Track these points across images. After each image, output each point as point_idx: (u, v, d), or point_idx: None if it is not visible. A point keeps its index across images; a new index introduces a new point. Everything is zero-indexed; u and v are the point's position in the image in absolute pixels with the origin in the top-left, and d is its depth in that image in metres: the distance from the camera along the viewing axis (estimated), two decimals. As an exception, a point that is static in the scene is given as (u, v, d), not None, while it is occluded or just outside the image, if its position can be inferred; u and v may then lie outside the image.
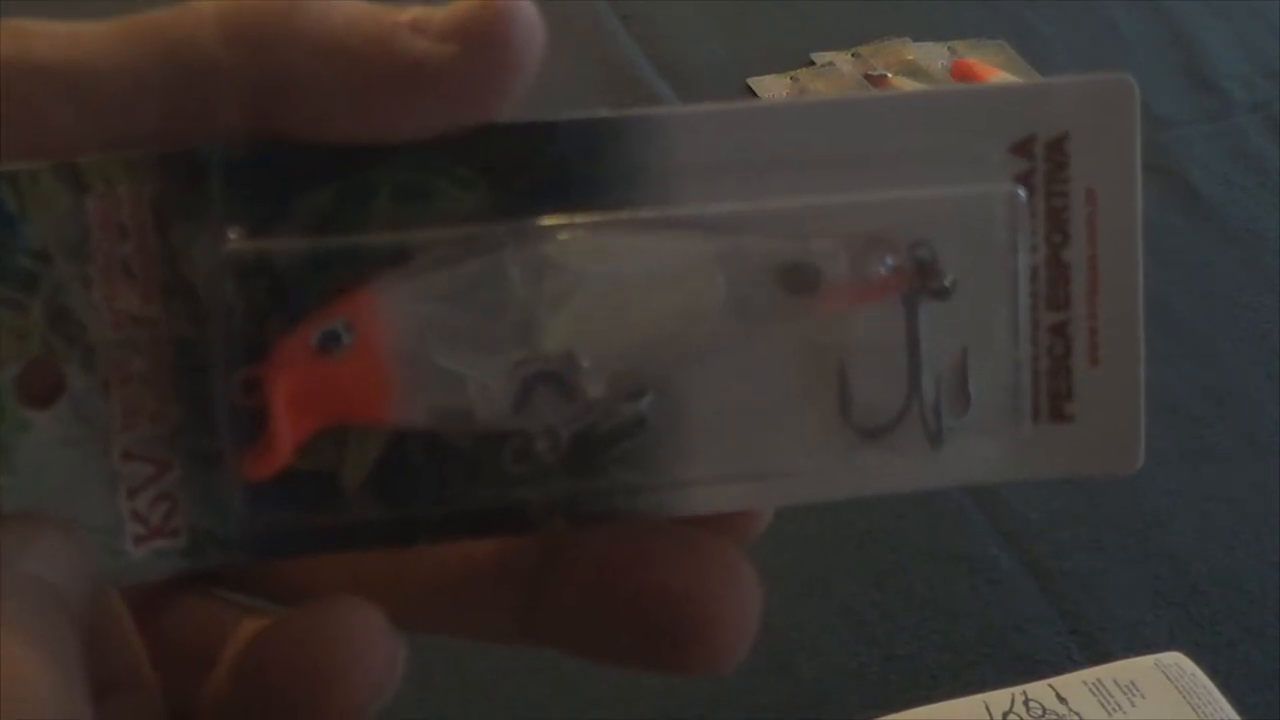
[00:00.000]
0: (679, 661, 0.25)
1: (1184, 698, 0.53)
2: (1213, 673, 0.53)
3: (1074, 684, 0.53)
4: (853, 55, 0.88)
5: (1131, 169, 0.25)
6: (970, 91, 0.25)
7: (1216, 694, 0.53)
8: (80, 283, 0.23)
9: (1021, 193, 0.25)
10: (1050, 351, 0.25)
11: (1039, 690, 0.53)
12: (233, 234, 0.23)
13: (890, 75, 0.86)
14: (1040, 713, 0.52)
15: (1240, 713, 0.52)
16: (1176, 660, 0.54)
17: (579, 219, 0.24)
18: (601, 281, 0.24)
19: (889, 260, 0.24)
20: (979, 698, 0.53)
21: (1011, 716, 0.52)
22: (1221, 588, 0.59)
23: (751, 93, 0.85)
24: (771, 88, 0.85)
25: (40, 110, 0.22)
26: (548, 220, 0.24)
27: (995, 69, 0.86)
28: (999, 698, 0.53)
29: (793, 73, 0.86)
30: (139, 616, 0.26)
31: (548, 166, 0.24)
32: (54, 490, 0.23)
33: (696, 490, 0.25)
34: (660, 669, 0.25)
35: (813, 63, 0.88)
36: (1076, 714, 0.52)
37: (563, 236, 0.24)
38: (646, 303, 0.24)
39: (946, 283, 0.25)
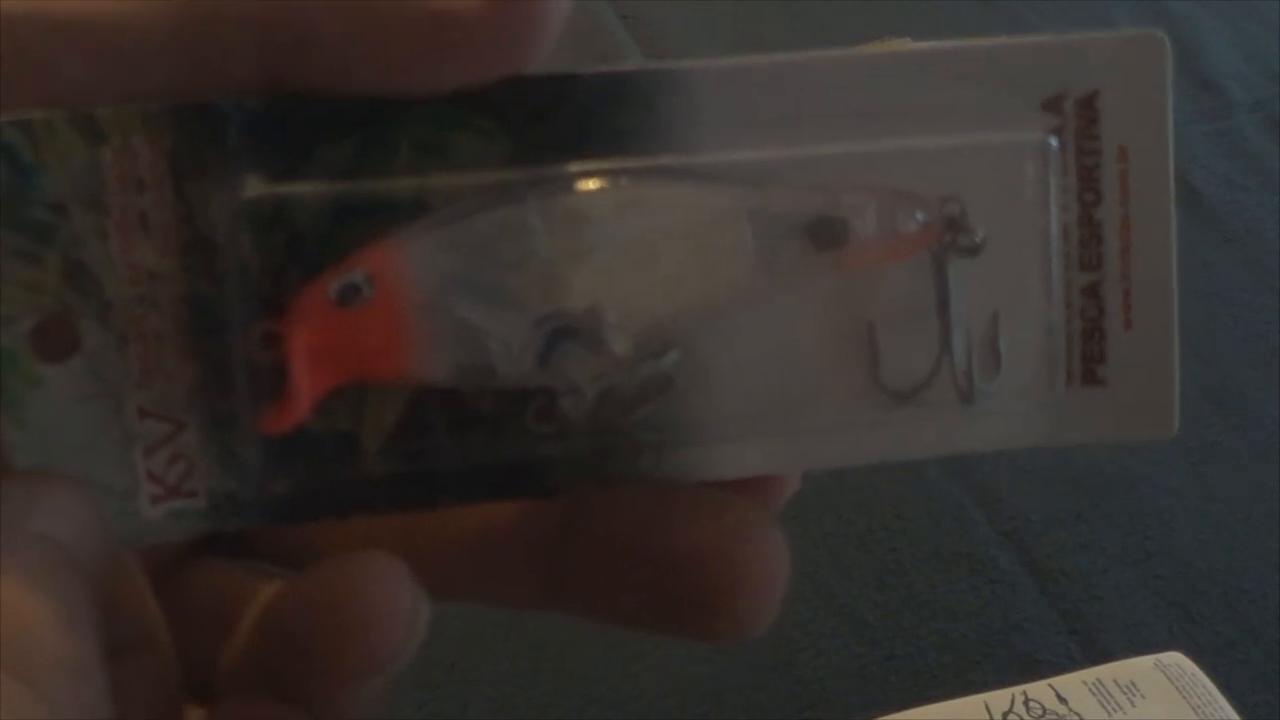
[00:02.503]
0: (705, 625, 0.25)
1: (1184, 698, 0.52)
2: (1213, 673, 0.53)
3: (1074, 684, 0.53)
4: (852, 56, 0.88)
5: (1164, 127, 0.25)
6: (1000, 47, 0.25)
7: (1216, 694, 0.52)
8: (97, 236, 0.23)
9: (1054, 141, 0.24)
10: (1083, 313, 0.25)
11: (1039, 690, 0.53)
12: (250, 184, 0.23)
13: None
14: (1040, 713, 0.52)
15: (1240, 713, 0.52)
16: (1176, 660, 0.54)
17: (603, 167, 0.23)
18: (627, 235, 0.23)
19: (918, 215, 0.24)
20: (979, 698, 0.53)
21: (1011, 716, 0.52)
22: (1221, 588, 0.59)
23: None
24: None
25: (53, 62, 0.22)
26: (570, 169, 0.23)
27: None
28: (999, 698, 0.53)
29: (791, 73, 0.86)
30: (156, 581, 0.26)
31: (570, 120, 0.23)
32: (67, 448, 0.23)
33: (724, 452, 0.25)
34: (685, 633, 0.25)
35: (811, 64, 0.87)
36: (1076, 714, 0.52)
37: (586, 187, 0.23)
38: (673, 256, 0.24)
39: (977, 239, 0.24)
